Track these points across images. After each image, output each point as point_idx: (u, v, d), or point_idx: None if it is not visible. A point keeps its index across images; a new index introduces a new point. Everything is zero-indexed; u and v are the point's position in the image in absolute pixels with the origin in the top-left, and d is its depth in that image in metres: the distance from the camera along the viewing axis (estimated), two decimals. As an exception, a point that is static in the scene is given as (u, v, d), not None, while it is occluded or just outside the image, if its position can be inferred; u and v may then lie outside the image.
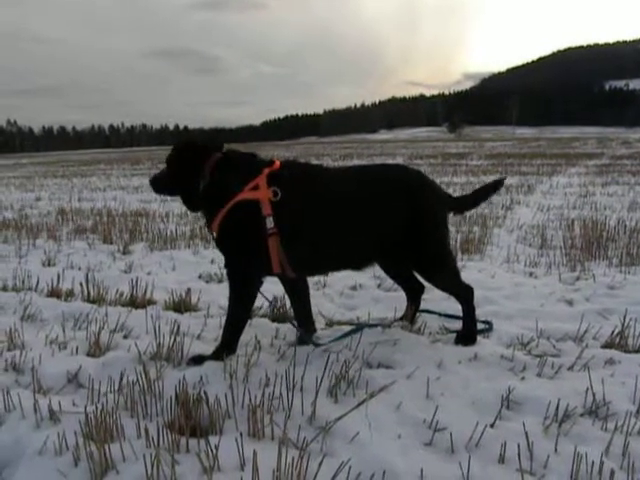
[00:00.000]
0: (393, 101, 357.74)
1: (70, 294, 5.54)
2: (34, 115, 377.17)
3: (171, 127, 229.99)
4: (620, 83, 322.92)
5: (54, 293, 5.60)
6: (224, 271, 4.14)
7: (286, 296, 4.37)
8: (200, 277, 6.22)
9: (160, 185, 3.98)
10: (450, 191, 8.52)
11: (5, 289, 5.87)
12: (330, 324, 4.55)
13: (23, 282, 5.99)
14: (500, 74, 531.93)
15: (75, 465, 2.62)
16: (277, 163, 3.77)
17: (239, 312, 3.78)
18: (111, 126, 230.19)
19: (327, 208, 3.69)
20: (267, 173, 3.65)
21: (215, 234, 3.72)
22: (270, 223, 3.53)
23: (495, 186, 4.28)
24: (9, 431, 2.95)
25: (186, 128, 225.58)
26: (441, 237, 3.97)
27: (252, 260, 3.66)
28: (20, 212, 12.89)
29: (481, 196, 4.30)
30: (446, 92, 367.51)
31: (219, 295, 5.22)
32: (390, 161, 25.18)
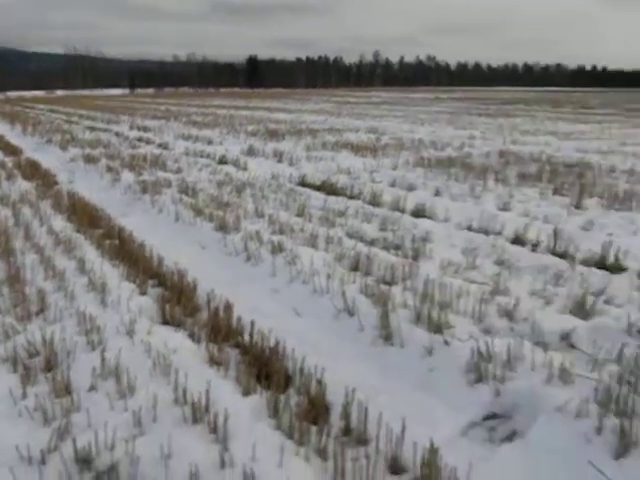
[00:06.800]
0: None
1: (536, 245, 5.67)
2: (450, 51, 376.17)
3: (588, 68, 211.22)
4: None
5: (519, 241, 5.82)
6: None
7: None
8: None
9: None
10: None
11: (470, 229, 6.28)
12: None
13: (487, 225, 6.33)
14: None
15: (598, 433, 2.71)
16: None
17: None
18: (525, 64, 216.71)
19: None
20: None
21: None
22: None
23: None
24: (522, 379, 3.18)
25: (604, 70, 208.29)
26: None
27: None
28: (461, 150, 13.53)
29: None
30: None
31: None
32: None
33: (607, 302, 4.31)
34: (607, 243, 5.37)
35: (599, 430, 2.70)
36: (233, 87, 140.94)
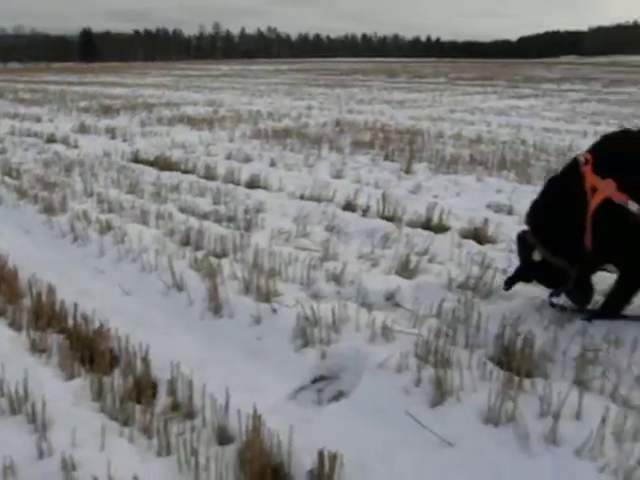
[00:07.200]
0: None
1: (366, 210, 5.79)
2: (291, 22, 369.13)
3: (423, 38, 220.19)
4: None
5: (350, 207, 5.97)
6: (513, 202, 5.77)
7: None
8: (489, 207, 6.06)
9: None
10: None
11: (302, 197, 6.44)
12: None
13: (319, 193, 6.46)
14: None
15: (416, 385, 2.82)
16: None
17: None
18: (364, 35, 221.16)
19: None
20: None
21: None
22: None
23: None
24: (347, 340, 3.28)
25: (438, 40, 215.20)
26: None
27: None
28: (298, 120, 13.71)
29: None
30: None
31: (510, 228, 4.90)
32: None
33: (430, 261, 4.52)
34: (432, 204, 5.63)
35: (418, 382, 2.84)
36: (66, 62, 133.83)
